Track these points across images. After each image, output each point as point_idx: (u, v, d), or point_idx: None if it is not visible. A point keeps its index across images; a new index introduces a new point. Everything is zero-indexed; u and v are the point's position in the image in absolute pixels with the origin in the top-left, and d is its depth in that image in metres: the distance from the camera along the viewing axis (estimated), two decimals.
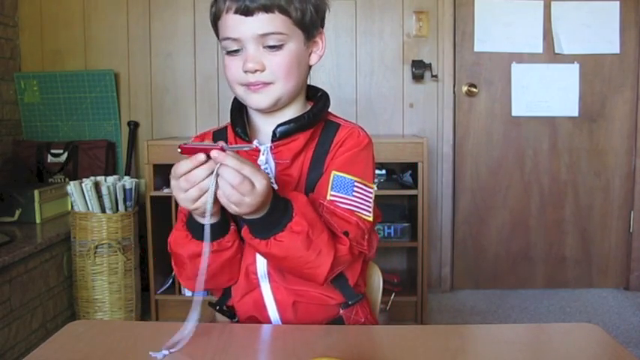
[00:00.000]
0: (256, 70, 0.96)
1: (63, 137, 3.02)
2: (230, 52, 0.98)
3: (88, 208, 2.36)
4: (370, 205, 1.01)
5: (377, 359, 0.85)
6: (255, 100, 0.99)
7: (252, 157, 0.98)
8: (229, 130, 1.07)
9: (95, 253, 2.36)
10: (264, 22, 0.95)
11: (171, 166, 0.84)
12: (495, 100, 3.06)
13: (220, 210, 0.91)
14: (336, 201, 0.98)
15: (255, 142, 1.00)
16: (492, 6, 3.00)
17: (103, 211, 2.37)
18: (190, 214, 0.93)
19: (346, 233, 0.97)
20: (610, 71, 3.03)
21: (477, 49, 3.02)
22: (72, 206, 2.42)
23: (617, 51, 3.01)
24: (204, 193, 0.83)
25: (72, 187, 2.35)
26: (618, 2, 2.99)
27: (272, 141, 1.00)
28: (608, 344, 0.90)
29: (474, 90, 3.03)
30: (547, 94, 3.04)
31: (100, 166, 2.91)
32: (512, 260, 3.13)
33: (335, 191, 0.98)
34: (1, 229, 2.32)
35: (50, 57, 3.06)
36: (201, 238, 0.90)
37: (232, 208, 0.84)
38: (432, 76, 2.97)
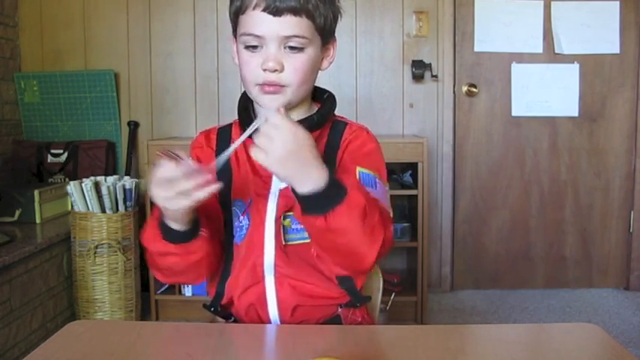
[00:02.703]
0: (275, 70, 0.97)
1: (63, 137, 3.02)
2: (248, 47, 0.99)
3: (88, 208, 2.36)
4: (388, 201, 1.03)
5: (377, 359, 0.85)
6: (267, 100, 1.00)
7: None
8: (235, 128, 1.09)
9: (95, 253, 2.36)
10: (290, 24, 0.96)
11: None
12: (495, 100, 3.06)
13: (193, 217, 0.93)
14: None
15: None
16: (492, 6, 3.00)
17: (103, 211, 2.37)
18: (162, 215, 0.94)
19: None
20: (610, 71, 3.03)
21: (477, 49, 3.02)
22: (72, 206, 2.42)
23: (617, 51, 3.01)
24: (182, 199, 0.85)
25: (72, 187, 2.35)
26: (618, 2, 2.98)
27: None
28: (608, 344, 0.90)
29: (474, 90, 3.03)
30: (547, 94, 3.04)
31: (100, 166, 2.90)
32: (512, 260, 3.13)
33: (363, 185, 0.98)
34: (1, 229, 2.31)
35: (50, 57, 3.05)
36: (168, 239, 0.94)
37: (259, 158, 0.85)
38: (432, 76, 2.97)
